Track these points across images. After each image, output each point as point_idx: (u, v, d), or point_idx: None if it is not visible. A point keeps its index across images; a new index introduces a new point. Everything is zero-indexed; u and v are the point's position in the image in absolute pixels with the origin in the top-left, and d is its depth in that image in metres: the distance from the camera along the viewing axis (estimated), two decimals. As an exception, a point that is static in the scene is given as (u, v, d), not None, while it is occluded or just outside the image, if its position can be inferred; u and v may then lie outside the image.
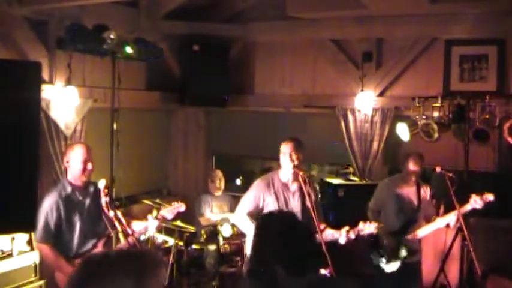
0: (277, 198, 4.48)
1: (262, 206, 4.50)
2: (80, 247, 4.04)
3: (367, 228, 4.32)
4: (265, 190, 4.50)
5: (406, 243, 5.03)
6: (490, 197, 4.73)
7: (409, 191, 5.17)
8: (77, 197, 4.09)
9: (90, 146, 4.19)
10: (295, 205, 4.48)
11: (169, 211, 4.51)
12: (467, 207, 4.78)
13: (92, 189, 4.12)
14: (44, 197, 4.03)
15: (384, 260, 5.06)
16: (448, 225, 4.96)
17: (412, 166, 5.09)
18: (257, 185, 4.57)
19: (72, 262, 3.96)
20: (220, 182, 6.61)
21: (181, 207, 4.61)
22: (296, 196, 4.52)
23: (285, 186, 4.55)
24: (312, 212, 4.17)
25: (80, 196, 4.10)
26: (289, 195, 4.52)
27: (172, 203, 4.62)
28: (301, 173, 4.38)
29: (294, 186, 4.54)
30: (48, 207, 3.96)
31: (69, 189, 4.06)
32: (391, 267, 5.03)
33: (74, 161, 4.06)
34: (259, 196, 4.50)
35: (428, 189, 5.28)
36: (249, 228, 4.51)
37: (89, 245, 4.08)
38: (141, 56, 5.86)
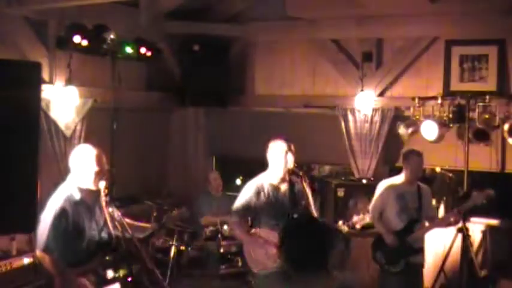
0: (269, 203, 4.40)
1: (255, 211, 4.43)
2: (87, 253, 3.85)
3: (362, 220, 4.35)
4: (256, 195, 4.40)
5: (409, 244, 5.01)
6: (490, 192, 4.72)
7: (410, 191, 5.14)
8: (87, 203, 3.85)
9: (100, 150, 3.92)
10: (286, 206, 4.41)
11: (173, 217, 4.49)
12: (469, 203, 4.78)
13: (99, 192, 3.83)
14: (46, 200, 3.79)
15: (388, 260, 5.05)
16: (450, 224, 4.94)
17: (414, 164, 5.08)
18: (247, 191, 4.45)
19: (77, 270, 3.75)
20: (217, 183, 6.62)
21: (185, 212, 4.58)
22: (287, 196, 4.45)
23: (276, 188, 4.45)
24: (310, 209, 4.18)
25: (89, 201, 3.87)
26: (281, 196, 4.44)
27: (175, 209, 4.59)
28: (301, 173, 4.38)
29: (284, 187, 4.47)
30: (55, 217, 3.70)
31: (78, 196, 3.80)
32: (395, 267, 5.03)
33: (87, 166, 3.78)
34: (250, 204, 4.40)
35: (428, 190, 5.26)
36: (241, 235, 4.48)
37: (95, 250, 3.88)
38: (141, 56, 5.86)
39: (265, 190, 4.42)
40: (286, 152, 4.36)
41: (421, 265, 5.12)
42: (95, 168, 3.76)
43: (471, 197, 4.76)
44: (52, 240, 3.69)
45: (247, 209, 4.41)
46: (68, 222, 3.73)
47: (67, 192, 3.81)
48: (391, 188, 5.17)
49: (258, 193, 4.40)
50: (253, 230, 4.49)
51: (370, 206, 5.28)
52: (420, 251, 5.10)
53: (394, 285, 5.07)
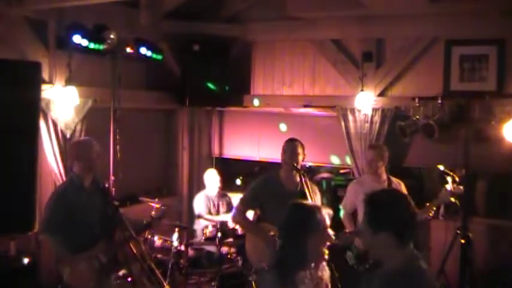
0: (273, 198, 4.49)
1: (260, 205, 4.58)
2: (91, 238, 3.94)
3: None
4: (262, 189, 4.58)
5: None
6: (459, 188, 4.77)
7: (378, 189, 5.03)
8: (87, 189, 4.04)
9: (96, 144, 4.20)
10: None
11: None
12: (436, 201, 4.80)
13: (99, 185, 4.09)
14: (46, 200, 3.96)
15: (357, 260, 5.00)
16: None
17: (366, 158, 5.01)
18: (255, 185, 4.66)
19: (82, 255, 3.85)
20: (215, 182, 6.62)
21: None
22: (295, 195, 4.50)
23: (283, 185, 4.57)
24: None
25: (89, 188, 4.05)
26: (287, 194, 4.49)
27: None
28: (299, 173, 4.40)
29: (292, 186, 4.55)
30: (55, 200, 3.91)
31: (77, 182, 4.00)
32: (364, 266, 4.97)
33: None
34: (257, 195, 4.59)
35: (402, 185, 5.12)
36: (247, 228, 4.53)
37: (99, 235, 4.00)
38: (141, 56, 5.87)
39: (273, 185, 4.57)
40: (289, 154, 4.51)
41: None
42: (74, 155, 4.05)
43: (438, 195, 4.76)
44: (49, 222, 3.82)
45: (254, 200, 4.60)
46: (69, 206, 3.86)
47: (70, 179, 4.07)
48: (360, 186, 5.06)
49: (266, 186, 4.58)
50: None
51: (341, 206, 5.24)
52: None
53: (363, 283, 5.02)
